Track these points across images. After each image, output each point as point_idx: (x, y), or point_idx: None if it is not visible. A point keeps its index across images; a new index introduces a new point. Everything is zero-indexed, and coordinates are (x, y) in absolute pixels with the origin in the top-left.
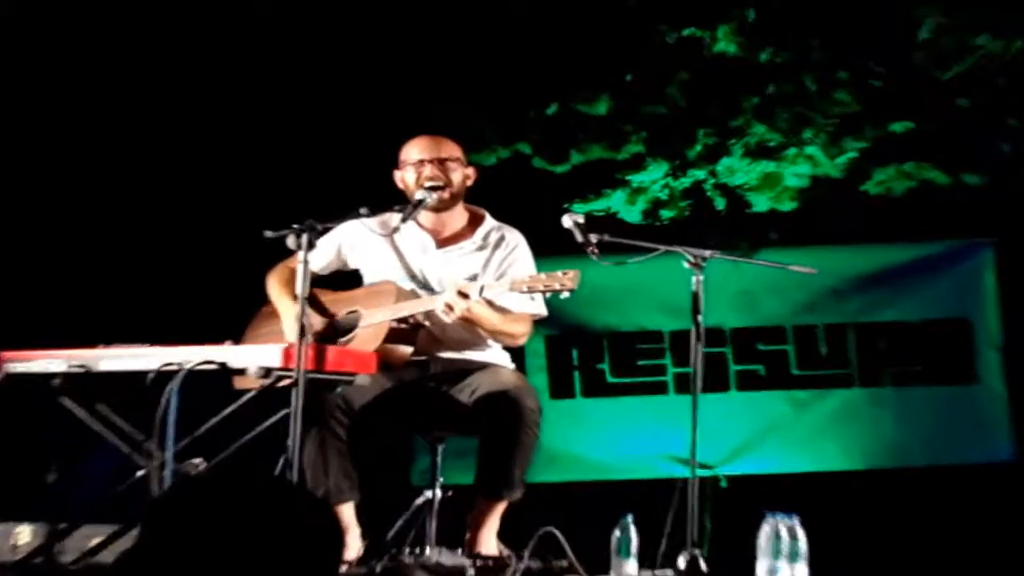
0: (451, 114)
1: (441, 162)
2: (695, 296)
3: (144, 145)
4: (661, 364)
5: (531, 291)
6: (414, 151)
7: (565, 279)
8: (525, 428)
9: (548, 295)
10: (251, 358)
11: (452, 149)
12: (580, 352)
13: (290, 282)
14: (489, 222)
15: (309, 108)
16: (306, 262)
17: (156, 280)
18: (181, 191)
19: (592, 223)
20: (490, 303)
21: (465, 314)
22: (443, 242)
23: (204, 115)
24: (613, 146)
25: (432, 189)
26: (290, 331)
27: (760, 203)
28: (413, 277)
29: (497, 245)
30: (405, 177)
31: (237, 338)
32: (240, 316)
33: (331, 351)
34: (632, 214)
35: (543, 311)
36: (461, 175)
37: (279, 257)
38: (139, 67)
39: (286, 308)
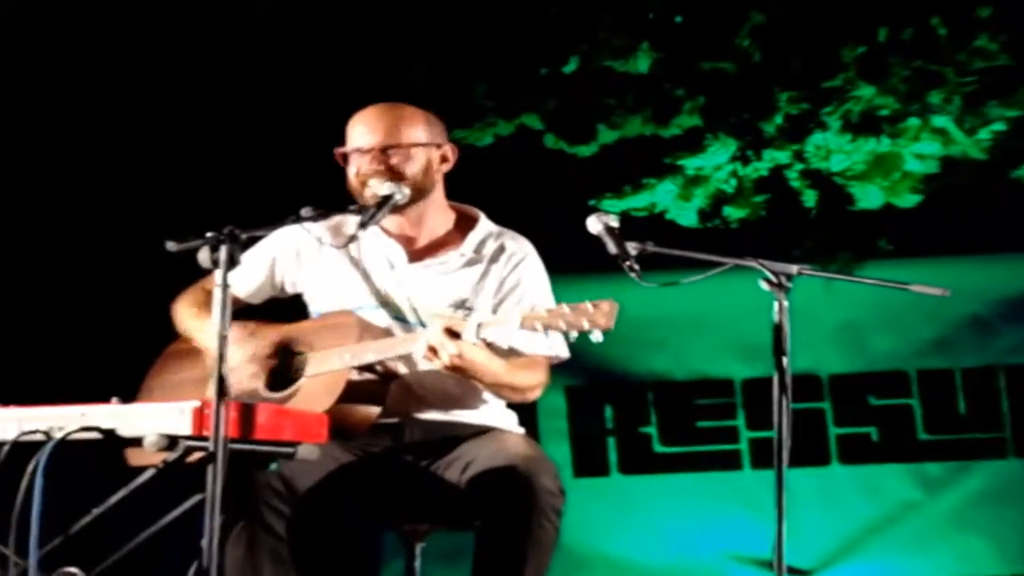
0: (429, 75)
1: (384, 150)
2: (778, 329)
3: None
4: (731, 427)
5: (548, 329)
6: (355, 132)
7: (597, 314)
8: (540, 519)
9: (572, 335)
10: (149, 422)
11: (408, 127)
12: (616, 410)
13: (206, 304)
14: (484, 226)
15: (226, 69)
16: (225, 285)
17: (10, 311)
18: (49, 189)
19: (630, 227)
20: (491, 344)
21: (456, 361)
22: (418, 253)
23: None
24: (659, 118)
25: (397, 182)
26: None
27: (868, 197)
28: (381, 303)
29: (495, 258)
30: (348, 168)
31: (129, 393)
32: (133, 362)
33: (264, 411)
34: (687, 214)
35: (564, 352)
36: (422, 163)
37: (186, 279)
38: None
39: (205, 336)
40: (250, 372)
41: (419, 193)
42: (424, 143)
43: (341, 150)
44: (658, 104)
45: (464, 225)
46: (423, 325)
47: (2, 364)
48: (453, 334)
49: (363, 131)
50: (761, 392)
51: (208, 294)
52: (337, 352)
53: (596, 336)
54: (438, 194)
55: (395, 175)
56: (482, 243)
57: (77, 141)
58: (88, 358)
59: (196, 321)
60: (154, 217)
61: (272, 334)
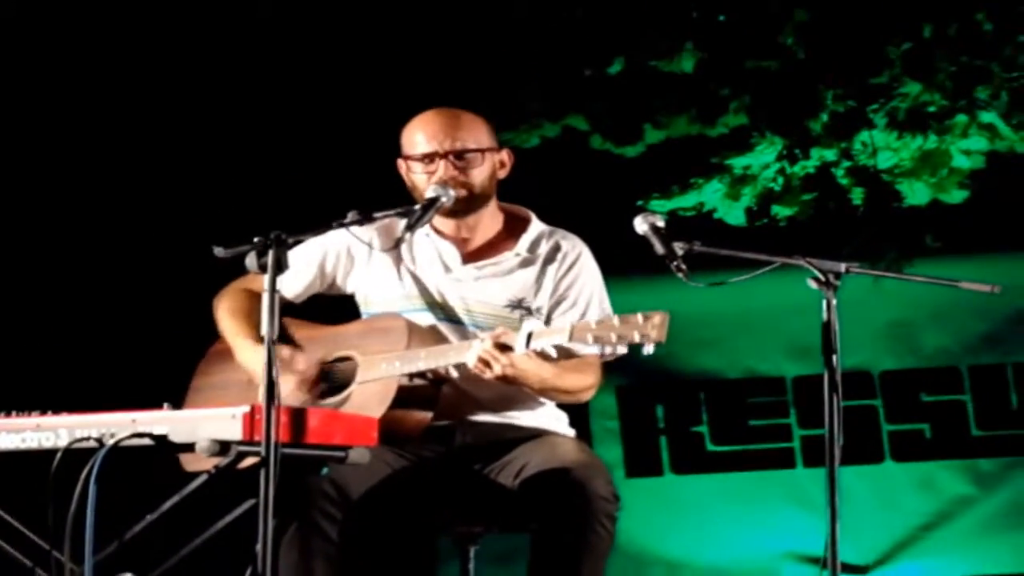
0: (476, 79)
1: (459, 155)
2: (827, 327)
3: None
4: (783, 425)
5: (598, 343)
6: (420, 137)
7: (648, 326)
8: (595, 522)
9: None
10: (200, 427)
11: (475, 132)
12: (668, 409)
13: (250, 312)
14: (536, 226)
15: (276, 77)
16: (273, 289)
17: (59, 319)
18: (94, 194)
19: (678, 227)
20: (541, 353)
21: (507, 372)
22: (472, 255)
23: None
24: (705, 118)
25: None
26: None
27: (915, 194)
28: (433, 305)
29: (550, 258)
30: (412, 175)
31: (178, 398)
32: (181, 367)
33: (315, 416)
34: (734, 213)
35: (618, 350)
36: (489, 168)
37: (231, 280)
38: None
39: (247, 352)
40: (298, 380)
41: (482, 199)
42: (488, 148)
43: (405, 157)
44: (704, 104)
45: (515, 225)
46: (478, 326)
47: (52, 372)
48: (504, 347)
49: (430, 136)
50: (812, 390)
51: (249, 295)
52: (387, 358)
53: (648, 349)
54: (494, 198)
55: (465, 184)
56: (536, 243)
57: (121, 146)
58: (137, 363)
59: (239, 338)
60: (199, 222)
61: (319, 339)
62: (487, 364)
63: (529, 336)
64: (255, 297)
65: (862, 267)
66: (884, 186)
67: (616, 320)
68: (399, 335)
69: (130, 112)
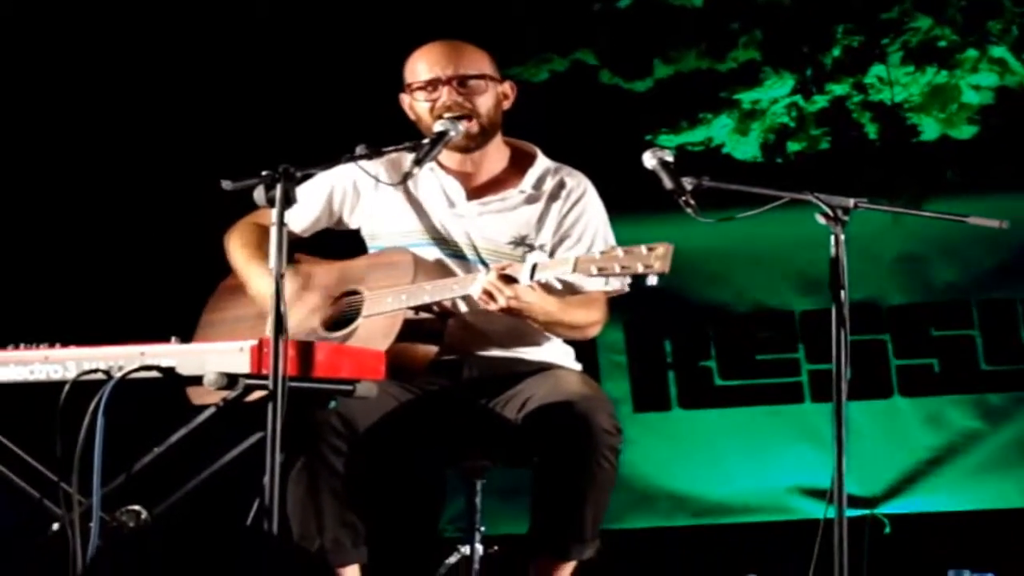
0: (482, 13)
1: (462, 81)
2: (835, 263)
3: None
4: (791, 360)
5: (602, 274)
6: (422, 66)
7: (651, 258)
8: (599, 456)
9: (627, 279)
10: (208, 361)
11: (477, 60)
12: (676, 344)
13: (260, 244)
14: (542, 163)
15: (283, 13)
16: (281, 223)
17: (67, 251)
18: (105, 126)
19: (687, 162)
20: (546, 286)
21: (512, 304)
22: (477, 191)
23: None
24: (715, 51)
25: (456, 119)
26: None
27: (927, 129)
28: (438, 240)
29: (555, 195)
30: (415, 105)
31: (187, 332)
32: (190, 301)
33: (323, 349)
34: (745, 149)
35: (624, 286)
36: (493, 97)
37: (242, 215)
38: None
39: (259, 279)
40: (305, 314)
41: (490, 130)
42: (492, 77)
43: (408, 88)
44: (713, 38)
45: (521, 162)
46: (483, 262)
47: (60, 305)
48: (508, 279)
49: (432, 63)
50: (821, 325)
51: (260, 229)
52: (393, 292)
53: (651, 280)
54: (499, 133)
55: (471, 110)
56: (541, 179)
57: (131, 77)
58: (147, 297)
59: (251, 266)
60: (209, 154)
61: (325, 274)
62: (491, 296)
63: (533, 268)
64: (266, 231)
65: (874, 203)
66: (899, 121)
67: (620, 251)
68: (405, 269)
69: (139, 42)
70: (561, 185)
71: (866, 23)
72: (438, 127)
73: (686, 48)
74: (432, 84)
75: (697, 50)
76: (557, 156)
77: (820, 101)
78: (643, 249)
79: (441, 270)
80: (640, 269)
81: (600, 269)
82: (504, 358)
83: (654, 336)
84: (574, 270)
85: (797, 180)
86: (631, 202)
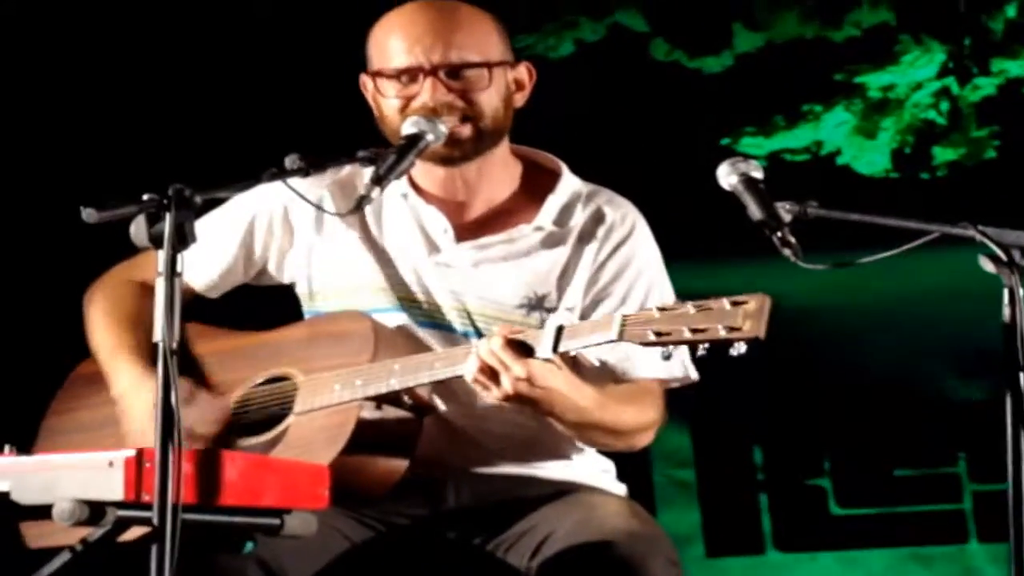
0: None
1: (454, 71)
2: (1010, 330)
3: None
4: (948, 476)
5: (663, 341)
6: (394, 43)
7: (739, 316)
8: None
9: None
10: (58, 481)
11: (480, 35)
12: (770, 452)
13: (134, 313)
14: (568, 184)
15: None
16: (172, 273)
17: None
18: None
19: (785, 179)
20: (576, 364)
21: (523, 389)
22: (471, 227)
23: None
24: (826, 14)
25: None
26: (141, 421)
27: None
28: (410, 302)
29: (589, 233)
30: (379, 100)
31: (25, 440)
32: (33, 399)
33: (235, 463)
34: (872, 158)
35: (692, 373)
36: (501, 90)
37: (113, 263)
38: None
39: (125, 376)
40: (206, 410)
41: (490, 139)
42: (499, 61)
43: (372, 73)
44: None
45: (537, 183)
46: (479, 335)
47: None
48: (520, 348)
49: (411, 40)
50: (991, 422)
51: (135, 289)
52: (342, 376)
53: (738, 349)
54: (506, 139)
55: (466, 109)
56: (567, 210)
57: None
58: None
59: (118, 356)
60: (65, 175)
61: (237, 352)
62: (493, 376)
63: (558, 333)
64: (143, 290)
65: None
66: None
67: (690, 307)
68: (360, 342)
69: None
70: (598, 219)
71: None
72: (407, 127)
73: (783, 8)
74: (409, 73)
75: (799, 10)
76: (587, 174)
77: (985, 86)
78: (725, 304)
79: (414, 345)
80: (722, 333)
81: (659, 334)
82: (509, 476)
83: (737, 441)
84: (621, 336)
85: (950, 205)
86: (698, 241)
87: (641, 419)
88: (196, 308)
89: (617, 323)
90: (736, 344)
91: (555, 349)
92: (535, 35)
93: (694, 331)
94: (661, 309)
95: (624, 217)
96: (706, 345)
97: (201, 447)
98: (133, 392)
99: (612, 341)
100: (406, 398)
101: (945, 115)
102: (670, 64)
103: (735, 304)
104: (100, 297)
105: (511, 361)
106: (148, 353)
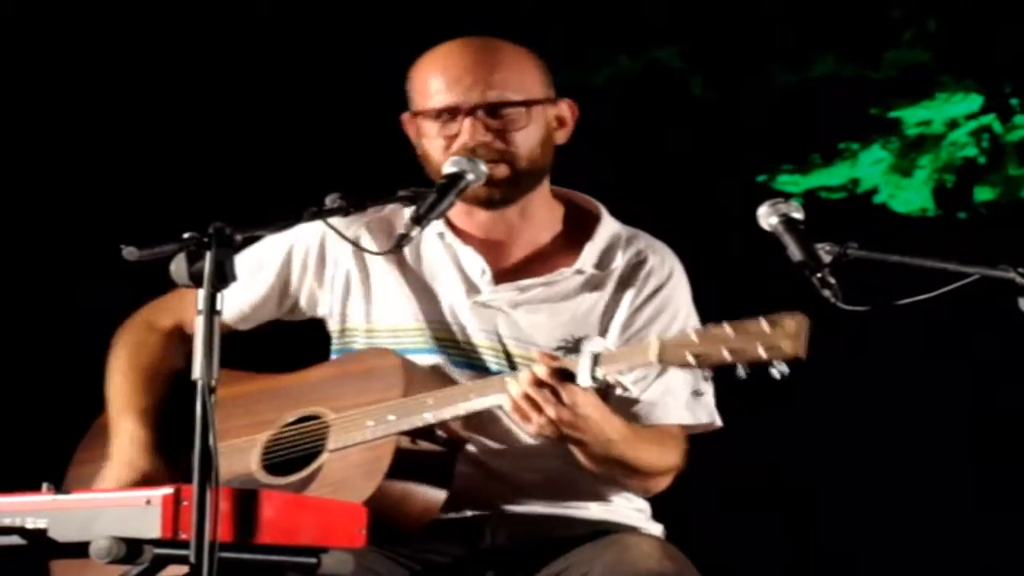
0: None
1: (493, 110)
2: None
3: None
4: None
5: (703, 364)
6: (435, 83)
7: (778, 335)
8: None
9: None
10: (95, 519)
11: (520, 73)
12: None
13: (155, 361)
14: (608, 227)
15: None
16: (211, 309)
17: None
18: None
19: (821, 217)
20: (603, 396)
21: (565, 417)
22: (511, 270)
23: None
24: (865, 51)
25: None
26: (137, 464)
27: None
28: (446, 343)
29: (629, 278)
30: (424, 142)
31: (59, 478)
32: (72, 432)
33: (272, 502)
34: (909, 197)
35: (716, 420)
36: (540, 131)
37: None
38: None
39: (123, 440)
40: (234, 450)
41: (530, 180)
42: (539, 99)
43: (413, 113)
44: (864, 30)
45: (578, 226)
46: (506, 366)
47: None
48: (561, 376)
49: (451, 79)
50: None
51: (156, 336)
52: (373, 412)
53: (780, 368)
54: (547, 180)
55: (504, 151)
56: (607, 253)
57: None
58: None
59: (125, 414)
60: (105, 215)
61: (262, 392)
62: (535, 405)
63: (595, 360)
64: (167, 339)
65: None
66: None
67: (728, 328)
68: (390, 378)
69: None
70: (638, 263)
71: None
72: (448, 167)
73: (822, 46)
74: (449, 112)
75: (838, 48)
76: (622, 211)
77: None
78: (763, 324)
79: (443, 381)
80: (762, 353)
81: (698, 356)
82: (546, 516)
83: None
84: (661, 358)
85: (990, 247)
86: (734, 281)
87: (661, 462)
88: (240, 341)
89: (655, 346)
90: (775, 364)
91: (592, 377)
92: (574, 69)
93: (733, 352)
94: (699, 331)
95: (663, 262)
96: (747, 367)
97: (236, 485)
98: (120, 464)
99: (650, 364)
100: (440, 432)
101: (985, 153)
102: (705, 99)
103: (773, 324)
104: (122, 344)
105: (559, 385)
106: (155, 419)
